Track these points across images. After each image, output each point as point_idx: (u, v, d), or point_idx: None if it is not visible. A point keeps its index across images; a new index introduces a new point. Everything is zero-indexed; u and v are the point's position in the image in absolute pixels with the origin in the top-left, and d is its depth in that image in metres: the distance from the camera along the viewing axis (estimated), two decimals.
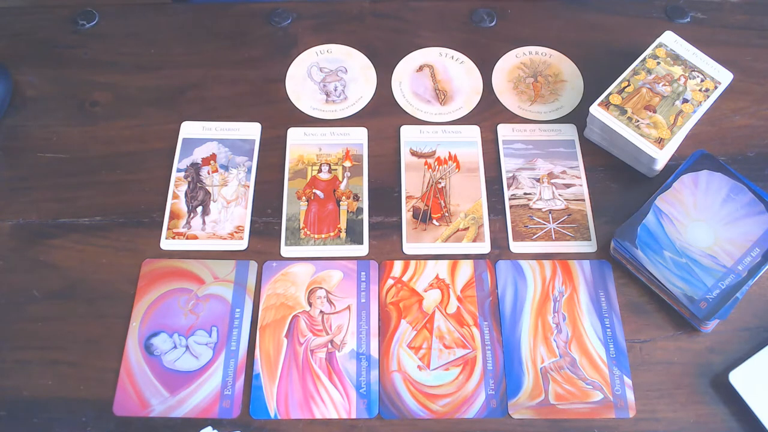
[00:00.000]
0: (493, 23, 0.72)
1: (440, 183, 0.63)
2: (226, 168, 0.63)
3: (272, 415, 0.53)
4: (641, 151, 0.60)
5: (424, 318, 0.56)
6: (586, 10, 0.73)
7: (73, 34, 0.72)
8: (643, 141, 0.60)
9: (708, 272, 0.55)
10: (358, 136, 0.65)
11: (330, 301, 0.57)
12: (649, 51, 0.64)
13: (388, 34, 0.72)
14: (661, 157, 0.59)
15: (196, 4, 0.73)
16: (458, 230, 0.60)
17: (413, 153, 0.64)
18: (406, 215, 0.61)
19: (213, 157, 0.64)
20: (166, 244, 0.60)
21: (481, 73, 0.69)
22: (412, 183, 0.62)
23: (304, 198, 0.62)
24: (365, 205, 0.62)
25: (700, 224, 0.57)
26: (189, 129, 0.65)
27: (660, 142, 0.59)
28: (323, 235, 0.60)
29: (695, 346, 0.55)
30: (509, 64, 0.70)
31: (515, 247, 0.60)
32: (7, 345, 0.55)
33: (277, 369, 0.54)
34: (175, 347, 0.55)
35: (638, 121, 0.61)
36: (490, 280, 0.58)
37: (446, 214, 0.61)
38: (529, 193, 0.62)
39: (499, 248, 0.60)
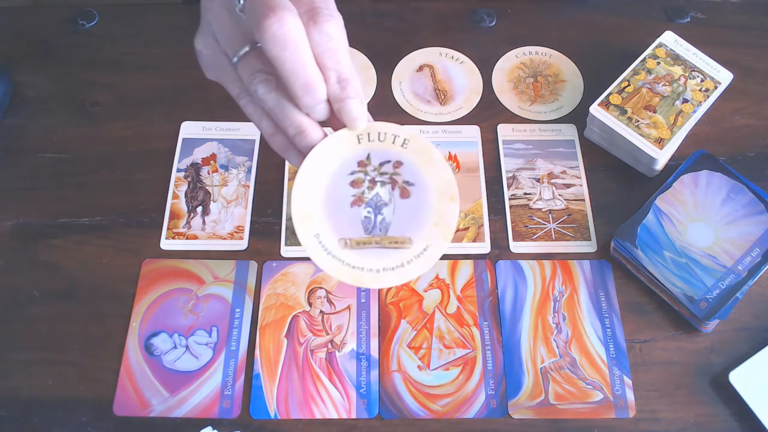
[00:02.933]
0: (493, 23, 0.72)
1: None
2: (226, 168, 0.63)
3: (272, 415, 0.53)
4: (641, 151, 0.60)
5: (424, 318, 0.56)
6: (586, 10, 0.73)
7: (73, 34, 0.72)
8: (643, 141, 0.60)
9: (708, 272, 0.55)
10: None
11: (330, 301, 0.57)
12: (649, 51, 0.64)
13: (388, 34, 0.72)
14: (661, 157, 0.59)
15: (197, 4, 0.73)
16: (458, 230, 0.60)
17: None
18: None
19: (213, 157, 0.64)
20: (166, 244, 0.60)
21: (481, 73, 0.69)
22: None
23: None
24: None
25: (700, 224, 0.57)
26: (189, 129, 0.65)
27: (660, 142, 0.60)
28: None
29: (695, 346, 0.55)
30: (509, 64, 0.70)
31: (515, 247, 0.60)
32: (7, 345, 0.55)
33: (277, 369, 0.54)
34: (175, 347, 0.55)
35: (638, 121, 0.61)
36: (490, 280, 0.58)
37: None
38: (529, 193, 0.62)
39: (499, 248, 0.60)
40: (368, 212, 0.43)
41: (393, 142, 0.44)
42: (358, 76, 0.42)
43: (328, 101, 0.42)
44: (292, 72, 0.40)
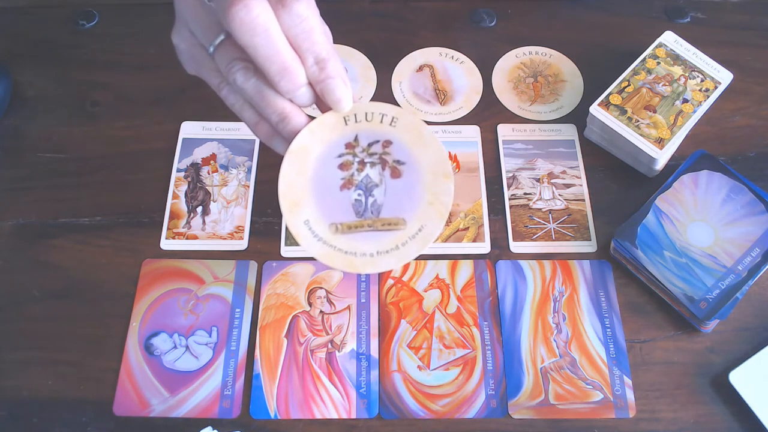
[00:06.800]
0: (493, 23, 0.72)
1: None
2: (226, 168, 0.63)
3: (272, 415, 0.53)
4: (641, 151, 0.60)
5: (424, 318, 0.56)
6: (586, 10, 0.73)
7: (73, 34, 0.72)
8: (643, 141, 0.60)
9: (708, 272, 0.55)
10: None
11: (330, 301, 0.57)
12: (649, 51, 0.64)
13: (388, 34, 0.72)
14: (661, 157, 0.59)
15: None
16: (458, 230, 0.60)
17: None
18: None
19: (213, 157, 0.64)
20: (166, 244, 0.60)
21: (481, 73, 0.69)
22: None
23: None
24: None
25: (700, 224, 0.57)
26: (189, 129, 0.65)
27: (660, 142, 0.60)
28: None
29: (695, 346, 0.55)
30: (509, 64, 0.70)
31: (515, 247, 0.60)
32: (7, 345, 0.55)
33: (277, 369, 0.54)
34: (175, 347, 0.55)
35: (638, 121, 0.61)
36: (490, 280, 0.58)
37: None
38: (529, 193, 0.62)
39: (499, 248, 0.60)
40: (359, 195, 0.42)
41: (381, 121, 0.43)
42: (337, 55, 0.41)
43: (311, 85, 0.41)
44: (266, 58, 0.39)
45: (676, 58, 0.64)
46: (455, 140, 0.65)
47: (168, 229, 0.60)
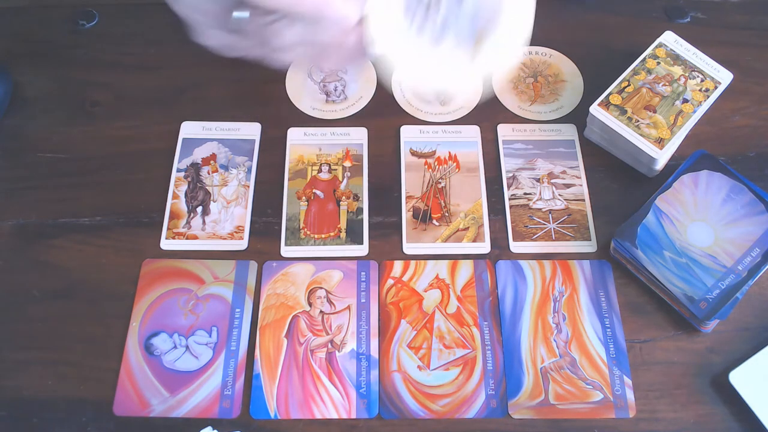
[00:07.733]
0: None
1: (440, 183, 0.63)
2: (226, 168, 0.63)
3: (272, 415, 0.53)
4: (641, 151, 0.60)
5: (424, 318, 0.56)
6: (586, 10, 0.73)
7: (73, 34, 0.72)
8: (643, 141, 0.60)
9: (708, 272, 0.55)
10: (358, 136, 0.65)
11: (330, 301, 0.57)
12: (649, 51, 0.64)
13: None
14: (661, 157, 0.59)
15: None
16: (458, 230, 0.60)
17: (413, 153, 0.64)
18: (406, 215, 0.61)
19: (213, 157, 0.64)
20: (166, 244, 0.60)
21: None
22: (412, 183, 0.62)
23: (304, 198, 0.62)
24: (365, 205, 0.62)
25: (700, 224, 0.57)
26: (189, 129, 0.65)
27: (660, 142, 0.60)
28: (323, 235, 0.60)
29: (695, 346, 0.55)
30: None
31: (515, 247, 0.60)
32: (7, 345, 0.55)
33: (277, 369, 0.54)
34: (175, 347, 0.55)
35: (638, 121, 0.61)
36: (490, 280, 0.58)
37: (446, 214, 0.61)
38: (529, 193, 0.62)
39: (499, 248, 0.60)
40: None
41: None
42: None
43: None
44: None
45: (676, 58, 0.64)
46: (455, 140, 0.65)
47: (168, 229, 0.60)
